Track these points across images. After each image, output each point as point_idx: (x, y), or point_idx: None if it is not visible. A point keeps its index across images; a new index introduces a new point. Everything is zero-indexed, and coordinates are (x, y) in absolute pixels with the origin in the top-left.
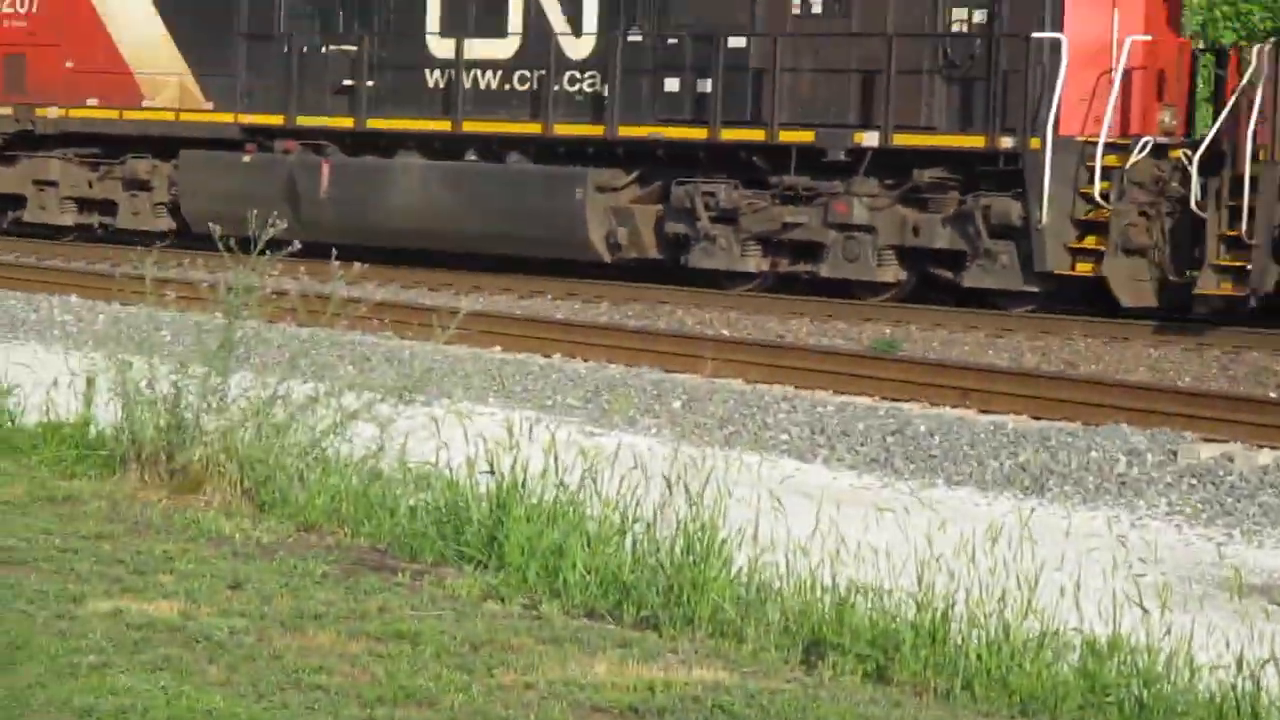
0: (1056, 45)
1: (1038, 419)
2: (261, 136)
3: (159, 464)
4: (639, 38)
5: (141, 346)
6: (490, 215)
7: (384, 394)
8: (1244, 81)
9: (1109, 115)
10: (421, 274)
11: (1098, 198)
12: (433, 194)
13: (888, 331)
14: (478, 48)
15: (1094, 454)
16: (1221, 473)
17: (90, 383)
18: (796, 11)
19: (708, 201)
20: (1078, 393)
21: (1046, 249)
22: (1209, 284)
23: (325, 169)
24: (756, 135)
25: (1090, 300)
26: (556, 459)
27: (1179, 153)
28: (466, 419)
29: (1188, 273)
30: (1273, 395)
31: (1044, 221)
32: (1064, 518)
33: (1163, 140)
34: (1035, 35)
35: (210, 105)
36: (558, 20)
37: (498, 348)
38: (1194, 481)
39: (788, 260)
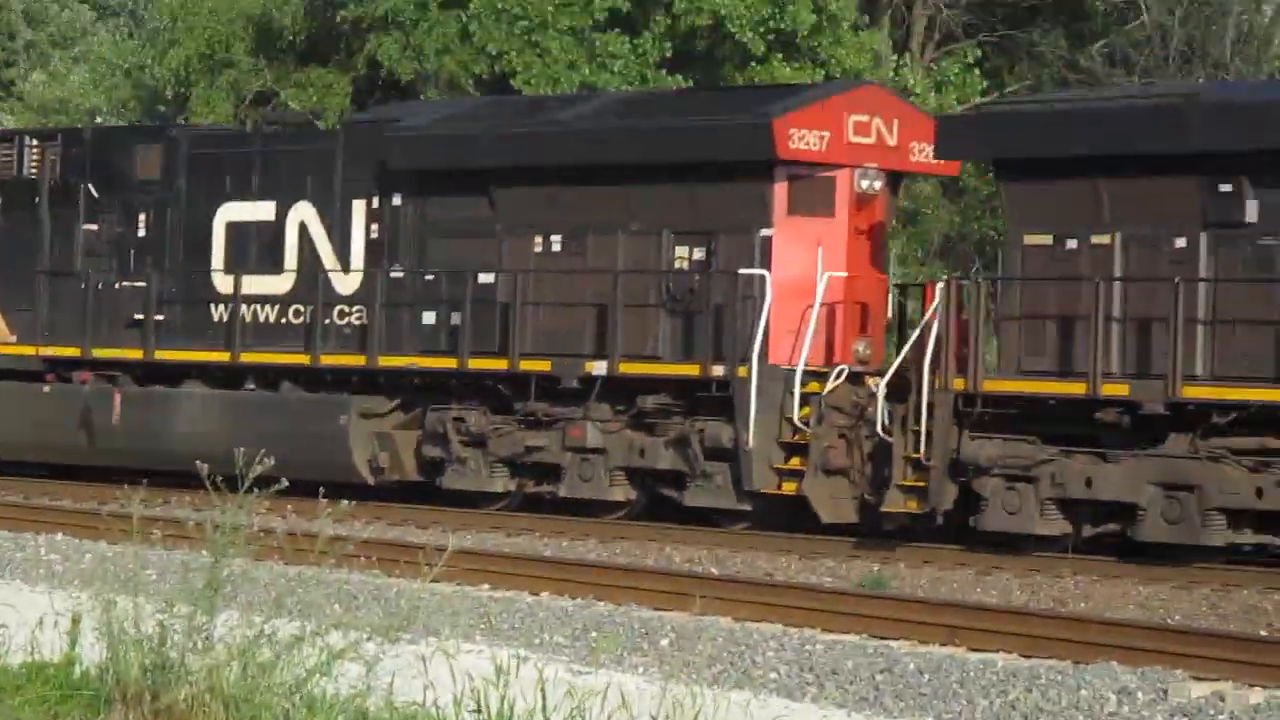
0: (762, 281)
1: (1027, 657)
2: (61, 367)
3: (144, 704)
4: (400, 274)
5: (127, 585)
6: (265, 440)
7: (370, 633)
8: (926, 316)
9: (807, 345)
10: (408, 512)
11: (797, 422)
12: (214, 421)
13: (876, 569)
14: (256, 283)
15: (1084, 692)
16: (1213, 711)
17: (75, 622)
18: (539, 250)
19: (459, 427)
20: (1067, 631)
21: (754, 469)
22: (895, 502)
23: (117, 398)
24: (500, 365)
25: (797, 517)
26: (545, 698)
27: (872, 380)
28: (453, 658)
29: (883, 492)
30: (1264, 634)
31: (751, 444)
32: None
33: (858, 369)
34: (742, 271)
35: (15, 338)
36: (329, 258)
37: (485, 585)
38: None
39: (533, 481)
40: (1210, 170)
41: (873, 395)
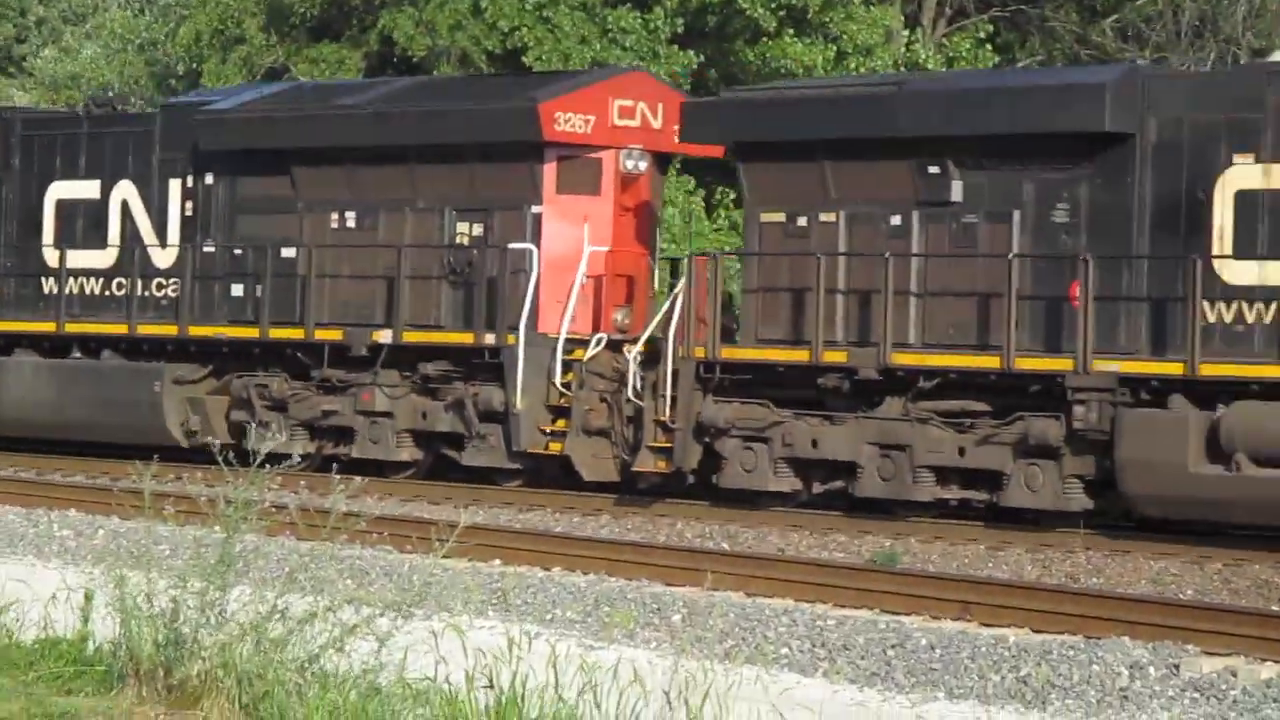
0: (531, 255)
1: (1039, 632)
2: None
3: (157, 679)
4: (211, 249)
5: (140, 561)
6: (87, 406)
7: (383, 609)
8: (678, 287)
9: (568, 315)
10: (421, 487)
11: (559, 386)
12: (42, 388)
13: (887, 544)
14: (82, 258)
15: (1096, 668)
16: (1224, 686)
17: (88, 598)
18: (335, 225)
19: (261, 392)
20: (1079, 606)
21: (522, 431)
22: (646, 462)
23: None
24: (297, 334)
25: (565, 475)
26: (556, 673)
27: (628, 348)
28: (465, 633)
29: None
30: (1275, 608)
31: (519, 407)
32: None
33: (618, 337)
34: (512, 246)
35: None
36: (148, 233)
37: (497, 561)
38: (1196, 695)
39: (331, 444)
40: (920, 153)
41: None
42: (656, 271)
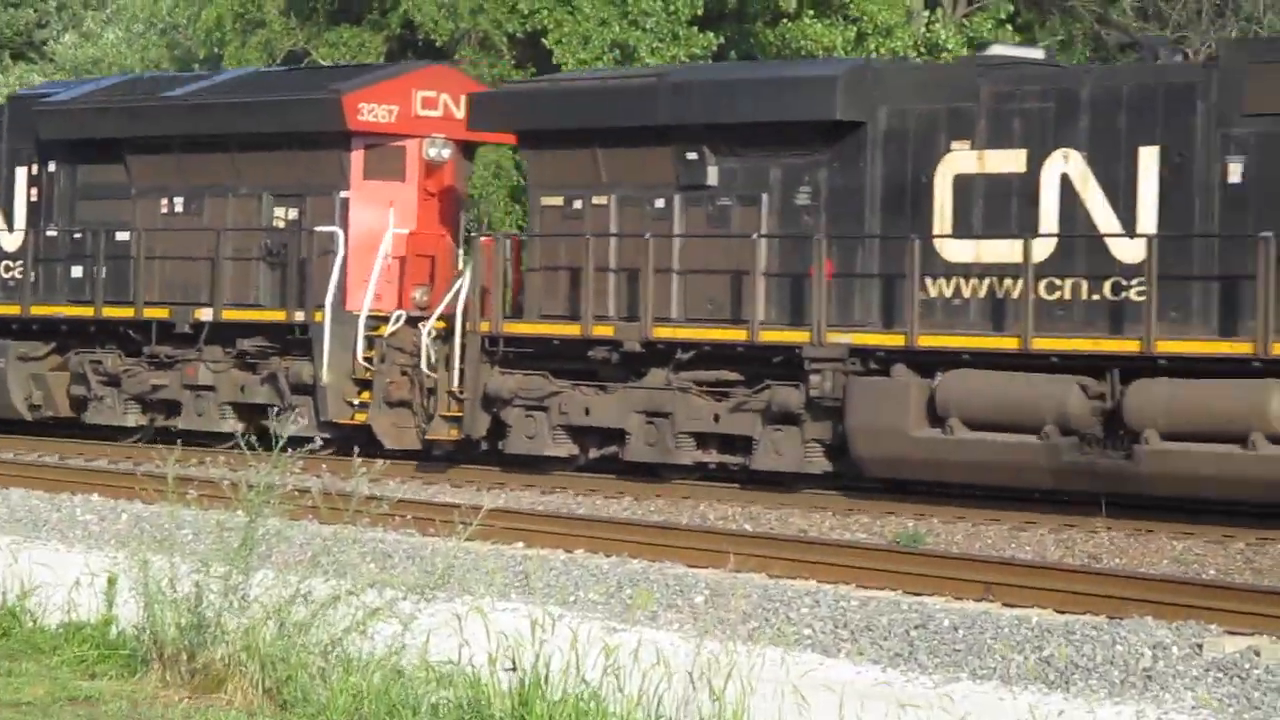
0: (337, 237)
1: (1062, 612)
2: None
3: (180, 663)
4: (54, 233)
5: (163, 545)
6: None
7: (406, 592)
8: (469, 267)
9: (370, 293)
10: (443, 471)
11: (361, 361)
12: None
13: (910, 525)
14: None
15: (1119, 648)
16: (1248, 666)
17: (112, 582)
18: (165, 210)
19: (96, 368)
20: (1102, 586)
21: (329, 403)
22: (440, 431)
23: None
24: (128, 313)
25: (371, 444)
26: (579, 655)
27: (424, 324)
28: (487, 616)
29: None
30: None
31: (325, 380)
32: (1089, 712)
33: (416, 314)
34: (319, 229)
35: None
36: None
37: (520, 544)
38: (1220, 675)
39: (162, 416)
40: (680, 140)
41: (430, 337)
42: (461, 252)
